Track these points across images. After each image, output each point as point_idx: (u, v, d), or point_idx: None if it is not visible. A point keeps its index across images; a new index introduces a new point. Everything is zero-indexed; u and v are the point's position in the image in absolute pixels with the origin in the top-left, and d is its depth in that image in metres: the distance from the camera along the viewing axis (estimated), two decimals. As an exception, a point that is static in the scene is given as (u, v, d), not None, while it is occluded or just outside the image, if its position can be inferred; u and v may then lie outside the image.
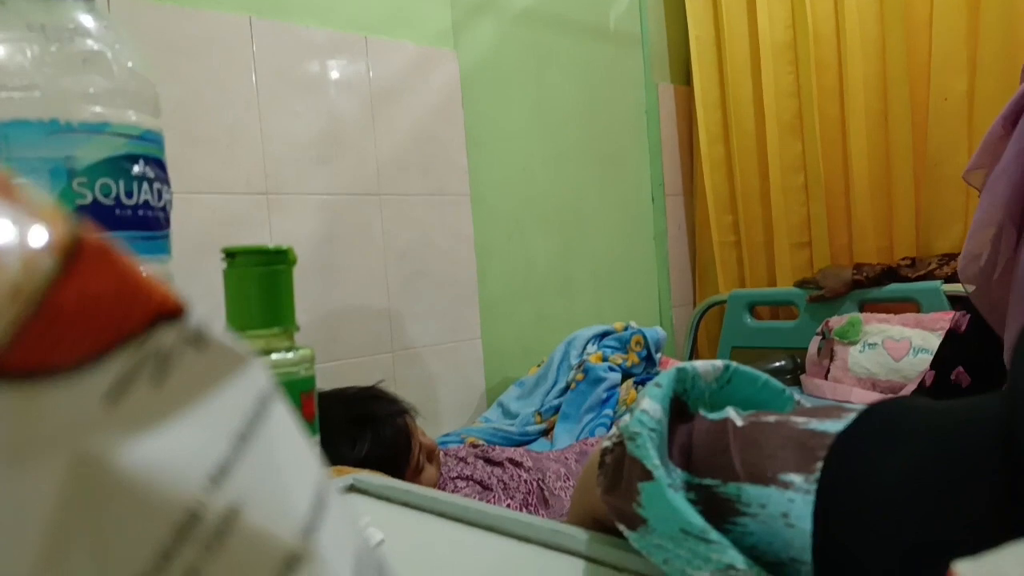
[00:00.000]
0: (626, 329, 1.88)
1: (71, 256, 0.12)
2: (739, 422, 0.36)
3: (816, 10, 2.15)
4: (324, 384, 1.39)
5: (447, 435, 1.67)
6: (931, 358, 1.85)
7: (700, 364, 0.41)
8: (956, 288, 1.86)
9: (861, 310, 2.02)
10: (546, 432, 1.73)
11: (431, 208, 1.78)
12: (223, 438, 0.13)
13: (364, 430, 1.21)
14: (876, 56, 2.07)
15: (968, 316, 0.68)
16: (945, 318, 1.83)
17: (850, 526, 0.28)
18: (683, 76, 2.48)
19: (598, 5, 2.26)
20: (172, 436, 0.13)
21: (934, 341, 1.80)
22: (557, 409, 1.75)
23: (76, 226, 0.12)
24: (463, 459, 1.39)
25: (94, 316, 0.12)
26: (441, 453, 1.40)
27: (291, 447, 0.15)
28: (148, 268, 0.13)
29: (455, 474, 1.34)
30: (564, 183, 2.10)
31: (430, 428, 1.55)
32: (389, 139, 1.70)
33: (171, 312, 0.13)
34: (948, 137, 1.97)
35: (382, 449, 1.21)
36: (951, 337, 0.71)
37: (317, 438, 0.42)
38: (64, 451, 0.12)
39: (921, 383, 0.73)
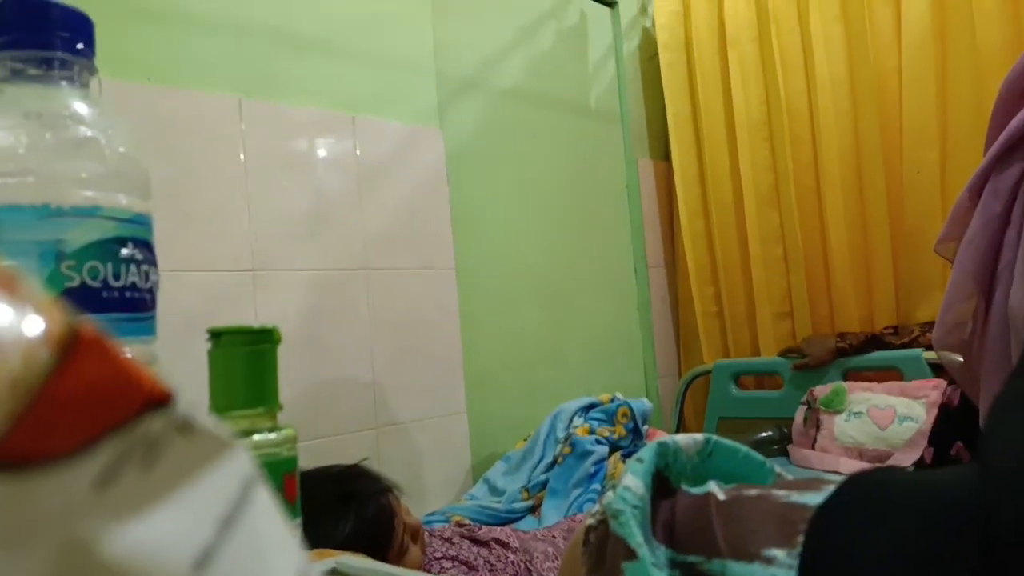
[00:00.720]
0: (612, 401, 1.88)
1: (67, 348, 0.12)
2: (721, 496, 0.36)
3: (789, 86, 2.23)
4: (308, 461, 1.37)
5: (432, 514, 1.63)
6: (916, 426, 1.85)
7: (681, 438, 0.41)
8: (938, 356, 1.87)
9: (844, 378, 2.03)
10: (534, 509, 1.70)
11: (417, 283, 1.80)
12: (208, 523, 0.14)
13: (347, 510, 1.19)
14: (849, 129, 2.14)
15: (959, 391, 0.69)
16: (928, 386, 1.84)
17: None
18: (662, 152, 2.55)
19: (579, 84, 2.34)
20: (159, 521, 0.13)
21: (918, 409, 1.81)
22: (544, 484, 1.73)
23: (72, 318, 0.12)
24: (448, 539, 1.36)
25: (87, 406, 0.12)
26: (426, 533, 1.37)
27: (273, 531, 0.15)
28: (138, 357, 0.13)
29: (440, 554, 1.31)
30: (549, 257, 2.13)
31: (415, 505, 1.52)
32: (376, 215, 1.73)
33: (159, 400, 0.14)
34: (923, 207, 2.03)
35: (365, 529, 1.19)
36: (945, 413, 0.72)
37: (300, 519, 0.42)
38: (54, 537, 0.12)
39: (920, 459, 0.73)
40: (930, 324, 1.97)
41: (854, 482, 0.32)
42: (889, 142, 2.09)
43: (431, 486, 1.78)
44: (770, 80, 2.27)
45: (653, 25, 2.52)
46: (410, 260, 1.79)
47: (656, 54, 2.48)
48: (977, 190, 0.57)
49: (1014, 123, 0.53)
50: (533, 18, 2.20)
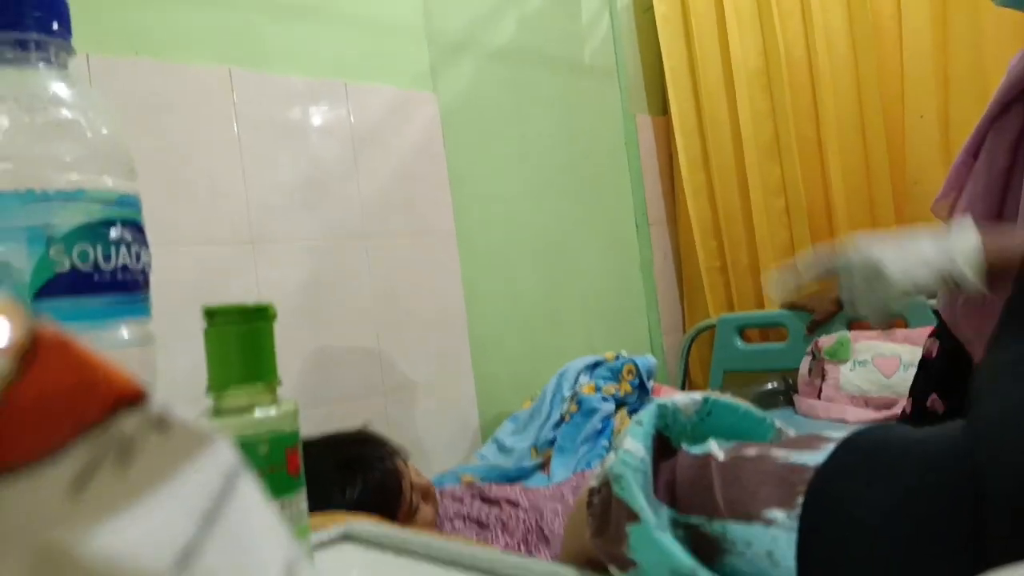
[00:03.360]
0: (617, 358, 1.88)
1: (28, 354, 0.12)
2: (721, 456, 0.36)
3: (787, 34, 2.19)
4: (316, 429, 1.38)
5: (443, 474, 1.65)
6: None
7: (680, 399, 0.41)
8: (942, 302, 1.87)
9: (849, 328, 2.03)
10: (543, 466, 1.72)
11: (417, 248, 1.79)
12: (189, 519, 0.14)
13: (354, 475, 1.20)
14: (849, 76, 2.11)
15: (937, 343, 0.69)
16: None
17: (832, 565, 0.28)
18: (660, 106, 2.52)
19: (572, 40, 2.30)
20: (137, 521, 0.13)
21: (923, 356, 1.81)
22: (553, 442, 1.74)
23: (32, 323, 0.12)
24: (459, 498, 1.38)
25: (54, 410, 0.12)
26: (437, 493, 1.39)
27: (259, 523, 0.15)
28: (106, 357, 0.13)
29: (451, 513, 1.33)
30: (548, 217, 2.12)
31: (425, 467, 1.53)
32: (372, 182, 1.72)
33: (131, 398, 0.13)
34: (925, 154, 2.00)
35: (372, 493, 1.20)
36: (923, 365, 0.72)
37: (304, 490, 0.42)
38: (29, 545, 0.12)
39: (902, 412, 0.74)
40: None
41: (851, 443, 0.32)
42: (889, 89, 2.06)
43: (440, 448, 1.79)
44: (767, 28, 2.23)
45: (647, -24, 2.47)
46: (409, 226, 1.78)
47: (651, 6, 2.43)
48: (974, 149, 0.56)
49: (1008, 79, 0.52)
50: (524, -26, 2.16)
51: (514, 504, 1.35)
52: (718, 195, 2.36)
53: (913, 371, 1.77)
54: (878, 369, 1.85)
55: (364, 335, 1.67)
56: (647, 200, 2.42)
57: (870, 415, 1.81)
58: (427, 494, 1.33)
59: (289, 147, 1.59)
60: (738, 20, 2.26)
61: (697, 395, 0.42)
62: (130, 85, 1.37)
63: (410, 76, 1.83)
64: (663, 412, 0.40)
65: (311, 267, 1.60)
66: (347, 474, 1.20)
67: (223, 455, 0.15)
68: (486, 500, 1.37)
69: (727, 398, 0.43)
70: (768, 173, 2.26)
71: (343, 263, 1.65)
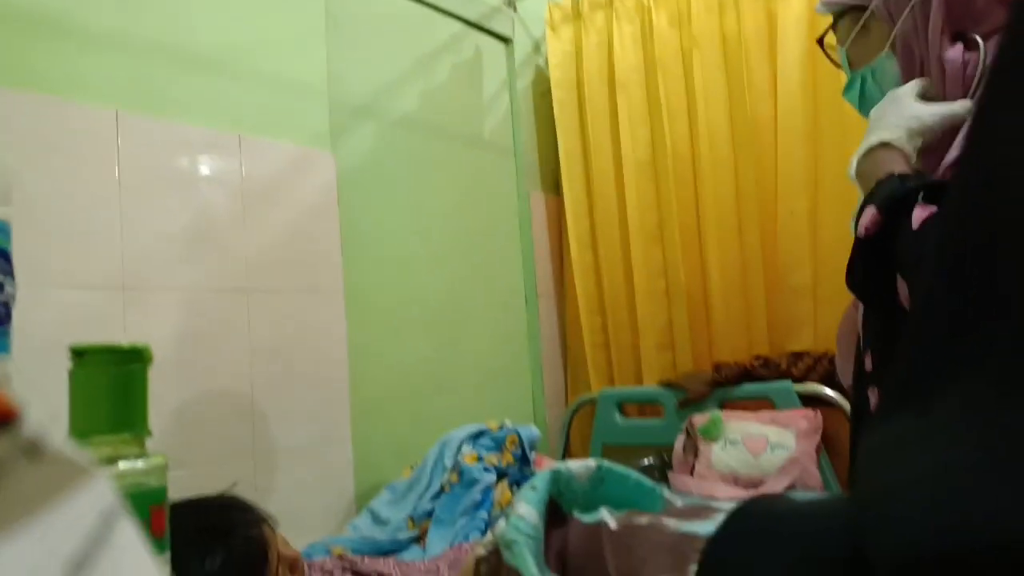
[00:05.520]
0: (501, 428, 1.87)
1: None
2: (613, 525, 0.36)
3: (674, 131, 2.33)
4: (178, 492, 1.29)
5: (312, 545, 1.57)
6: (787, 454, 1.94)
7: (574, 465, 0.41)
8: (806, 388, 1.99)
9: (721, 407, 2.12)
10: (419, 538, 1.66)
11: (303, 306, 1.74)
12: (54, 565, 0.12)
13: (215, 543, 1.12)
14: (728, 174, 2.26)
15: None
16: (797, 416, 1.94)
17: None
18: (553, 186, 2.60)
19: (473, 117, 2.36)
20: (-6, 563, 0.11)
21: (789, 438, 1.90)
22: (431, 513, 1.69)
23: None
24: (329, 572, 1.31)
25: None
26: (305, 565, 1.31)
27: (137, 572, 0.13)
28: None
29: (320, 589, 1.26)
30: (440, 284, 2.11)
31: (295, 537, 1.45)
32: (260, 236, 1.67)
33: (1, 419, 0.12)
34: (795, 249, 2.15)
35: (235, 564, 1.12)
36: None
37: (168, 555, 0.38)
38: None
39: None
40: (796, 356, 2.09)
41: (741, 513, 0.32)
42: (764, 188, 2.22)
43: (312, 516, 1.71)
44: (656, 124, 2.36)
45: (546, 64, 2.58)
46: (295, 282, 1.73)
47: (549, 91, 2.54)
48: None
49: None
50: (429, 50, 2.20)
51: (387, 578, 1.29)
52: (604, 275, 2.44)
53: (780, 452, 1.87)
54: (747, 449, 1.93)
55: (237, 394, 1.59)
56: (537, 274, 2.46)
57: (739, 493, 1.87)
58: (294, 566, 1.25)
59: (174, 196, 1.52)
60: (629, 113, 2.40)
61: (591, 461, 0.42)
62: (10, 116, 1.29)
63: (308, 135, 1.81)
64: (557, 478, 0.40)
65: (185, 319, 1.51)
66: (208, 542, 1.12)
67: (101, 492, 0.13)
68: (357, 574, 1.31)
69: (619, 466, 0.43)
70: (651, 257, 2.36)
71: (221, 317, 1.58)
